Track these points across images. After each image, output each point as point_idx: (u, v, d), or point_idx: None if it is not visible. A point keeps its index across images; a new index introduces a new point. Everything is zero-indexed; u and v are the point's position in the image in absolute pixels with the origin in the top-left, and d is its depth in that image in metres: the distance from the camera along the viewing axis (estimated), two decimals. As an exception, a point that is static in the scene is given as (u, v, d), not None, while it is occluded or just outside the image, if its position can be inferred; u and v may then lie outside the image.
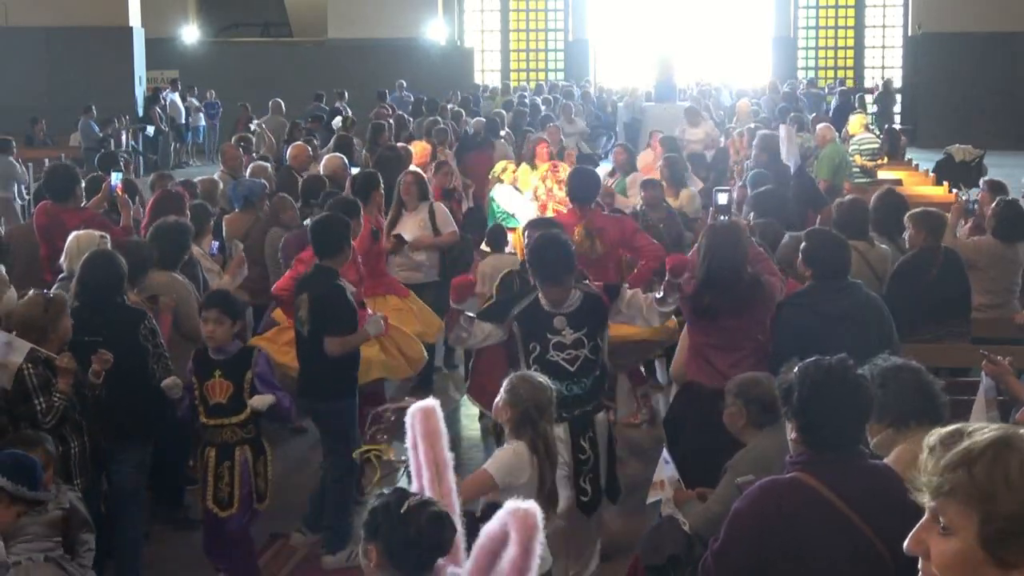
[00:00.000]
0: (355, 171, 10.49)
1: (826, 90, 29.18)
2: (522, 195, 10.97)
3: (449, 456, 2.04)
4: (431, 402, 2.10)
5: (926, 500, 2.02)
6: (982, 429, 2.02)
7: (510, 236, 9.71)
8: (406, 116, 19.15)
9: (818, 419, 3.72)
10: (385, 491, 3.16)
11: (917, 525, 2.04)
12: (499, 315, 5.95)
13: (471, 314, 6.05)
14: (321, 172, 10.60)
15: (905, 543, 2.05)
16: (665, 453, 5.25)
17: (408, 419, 2.69)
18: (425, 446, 2.07)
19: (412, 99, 23.90)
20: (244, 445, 5.87)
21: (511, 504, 2.22)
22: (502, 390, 4.91)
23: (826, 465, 3.71)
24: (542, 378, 4.95)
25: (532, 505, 2.24)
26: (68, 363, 5.42)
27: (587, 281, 6.14)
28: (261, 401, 5.81)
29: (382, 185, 8.98)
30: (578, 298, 5.86)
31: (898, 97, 30.63)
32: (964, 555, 1.96)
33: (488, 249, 9.11)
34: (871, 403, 3.87)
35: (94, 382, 5.59)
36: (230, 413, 5.85)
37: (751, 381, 5.06)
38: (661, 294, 6.07)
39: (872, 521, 3.65)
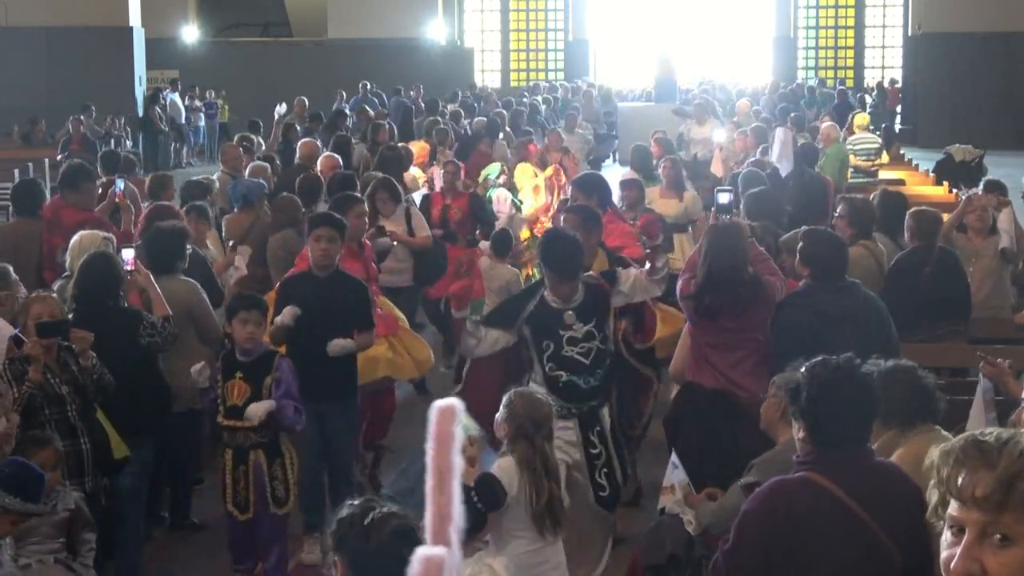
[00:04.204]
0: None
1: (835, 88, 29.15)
2: (517, 195, 11.04)
3: (458, 462, 1.95)
4: (452, 402, 2.00)
5: (966, 515, 1.94)
6: (1009, 434, 1.97)
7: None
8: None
9: (827, 418, 3.72)
10: (353, 503, 3.14)
11: (962, 545, 1.94)
12: (507, 319, 5.98)
13: (476, 318, 6.07)
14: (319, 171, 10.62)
15: (955, 564, 1.95)
16: (674, 457, 5.25)
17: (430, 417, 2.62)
18: (433, 449, 1.97)
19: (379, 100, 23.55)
20: (258, 449, 5.81)
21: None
22: (501, 406, 4.90)
23: (835, 464, 3.72)
24: (540, 394, 4.95)
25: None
26: (31, 349, 5.35)
27: (588, 273, 6.19)
28: (255, 410, 5.73)
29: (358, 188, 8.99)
30: (581, 291, 5.91)
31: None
32: None
33: (491, 253, 9.08)
34: (879, 402, 3.88)
35: (86, 365, 5.53)
36: (244, 417, 5.80)
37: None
38: (648, 264, 6.17)
39: (880, 518, 3.66)
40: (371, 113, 18.18)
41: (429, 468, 1.94)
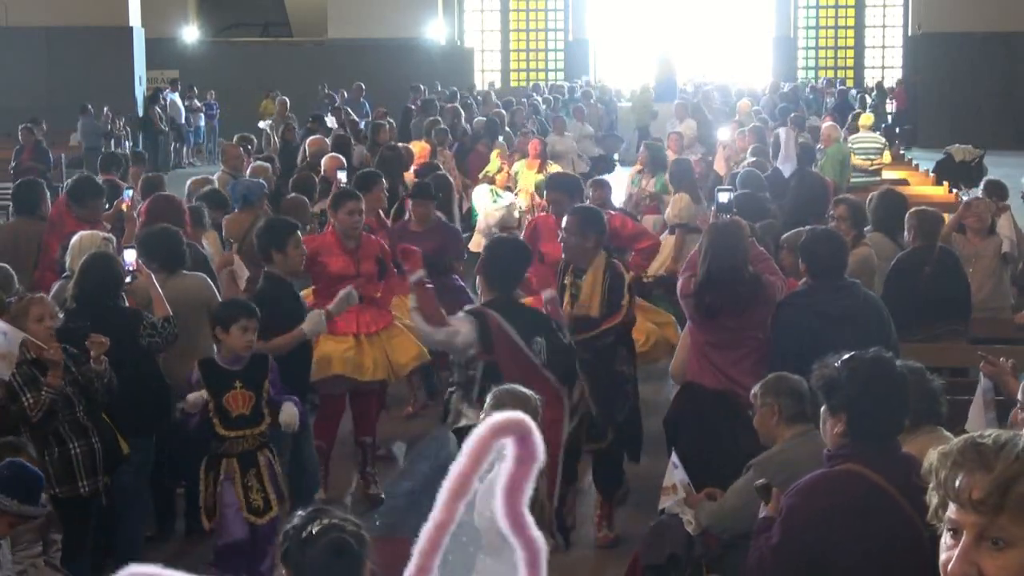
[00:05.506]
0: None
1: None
2: (509, 194, 11.17)
3: (476, 484, 1.79)
4: (515, 416, 1.53)
5: (963, 517, 1.94)
6: (1007, 437, 1.97)
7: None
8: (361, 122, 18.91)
9: (870, 412, 3.77)
10: (302, 512, 3.07)
11: (959, 548, 1.95)
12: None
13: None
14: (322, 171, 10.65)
15: (952, 567, 1.96)
16: (674, 457, 5.26)
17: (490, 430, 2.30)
18: (466, 464, 1.73)
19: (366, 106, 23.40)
20: (264, 449, 5.76)
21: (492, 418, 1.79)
22: (486, 406, 4.82)
23: (872, 455, 3.77)
24: (526, 389, 4.83)
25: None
26: (55, 354, 5.35)
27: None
28: (291, 418, 5.68)
29: (382, 185, 8.97)
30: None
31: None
32: None
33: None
34: (910, 396, 3.93)
35: (98, 369, 5.53)
36: (253, 424, 5.69)
37: (777, 378, 4.96)
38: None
39: (916, 504, 3.69)
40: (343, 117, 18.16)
41: (452, 475, 1.75)
